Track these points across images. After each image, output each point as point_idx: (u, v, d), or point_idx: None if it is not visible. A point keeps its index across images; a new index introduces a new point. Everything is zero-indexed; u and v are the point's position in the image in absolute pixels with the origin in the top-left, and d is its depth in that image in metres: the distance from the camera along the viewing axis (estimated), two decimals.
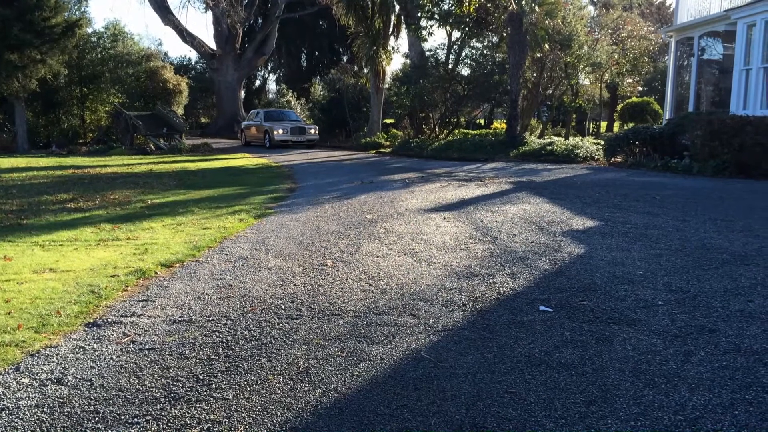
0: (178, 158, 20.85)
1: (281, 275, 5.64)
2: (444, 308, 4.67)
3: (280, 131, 26.40)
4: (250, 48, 38.55)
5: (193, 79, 37.16)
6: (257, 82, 52.37)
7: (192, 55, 52.53)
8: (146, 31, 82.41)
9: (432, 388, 3.36)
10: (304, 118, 31.30)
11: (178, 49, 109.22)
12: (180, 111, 30.33)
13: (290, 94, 37.49)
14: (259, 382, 3.45)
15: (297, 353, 3.84)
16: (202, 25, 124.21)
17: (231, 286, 5.32)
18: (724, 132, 13.81)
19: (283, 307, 4.73)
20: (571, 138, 24.21)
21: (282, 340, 4.06)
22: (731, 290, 5.04)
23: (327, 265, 6.01)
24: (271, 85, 54.57)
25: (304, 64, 49.97)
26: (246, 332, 4.20)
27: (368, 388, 3.36)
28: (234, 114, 38.36)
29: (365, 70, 29.59)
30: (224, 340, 4.05)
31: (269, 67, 51.55)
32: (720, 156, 13.90)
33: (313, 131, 27.38)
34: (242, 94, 42.02)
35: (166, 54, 46.93)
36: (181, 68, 39.95)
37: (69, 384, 3.44)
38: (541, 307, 4.66)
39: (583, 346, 3.90)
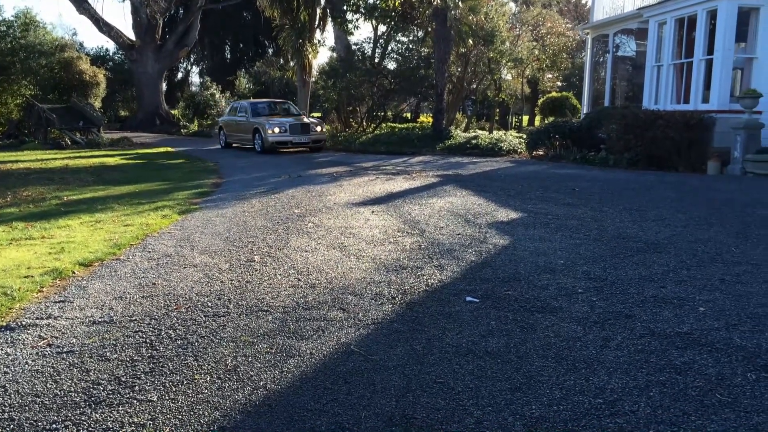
0: (97, 153, 20.04)
1: (207, 272, 5.53)
2: (373, 301, 4.69)
3: (276, 129, 19.55)
4: (172, 39, 37.38)
5: (111, 71, 35.71)
6: (179, 75, 51.00)
7: (110, 45, 50.72)
8: (60, 20, 78.25)
9: (362, 381, 3.37)
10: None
11: (95, 40, 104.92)
12: (97, 104, 29.14)
13: (214, 86, 36.62)
14: (185, 382, 3.37)
15: (224, 351, 3.77)
16: (120, 15, 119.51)
17: (154, 284, 5.16)
18: (637, 126, 14.45)
19: (209, 304, 4.64)
20: (495, 132, 24.78)
21: (209, 338, 3.98)
22: (645, 277, 5.29)
23: (255, 260, 5.93)
24: (195, 78, 53.28)
25: (229, 56, 48.97)
26: (171, 331, 4.09)
27: (298, 384, 3.35)
28: (155, 107, 37.21)
29: (291, 63, 29.28)
30: (148, 341, 3.94)
31: (192, 59, 50.27)
32: (634, 149, 14.55)
33: (319, 129, 20.80)
34: (164, 86, 40.75)
35: (81, 44, 44.87)
36: (98, 59, 38.33)
37: None
38: (468, 298, 4.75)
39: (508, 335, 4.01)
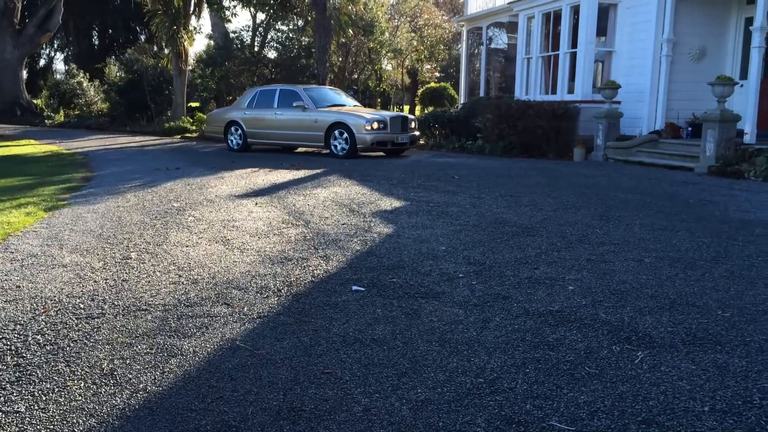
0: None
1: (79, 272, 5.21)
2: (258, 295, 4.62)
3: (375, 125, 14.57)
4: (32, 23, 34.64)
5: None
6: (42, 62, 47.42)
7: None
8: None
9: (248, 377, 3.32)
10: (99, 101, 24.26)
11: None
12: None
13: (81, 74, 34.36)
14: (56, 389, 3.17)
15: (100, 354, 3.58)
16: None
17: (19, 287, 4.80)
18: (510, 115, 15.15)
19: (82, 306, 4.37)
20: None
21: (82, 342, 3.75)
22: (520, 260, 5.57)
23: (131, 258, 5.66)
24: (60, 65, 49.81)
25: (97, 42, 46.11)
26: (39, 337, 3.82)
27: (181, 384, 3.24)
28: (15, 96, 34.41)
29: (166, 51, 28.05)
30: (13, 348, 3.66)
31: (56, 45, 46.92)
32: (508, 137, 15.24)
33: (413, 125, 16.12)
34: (25, 74, 37.77)
35: None
36: None
37: None
38: (354, 287, 4.79)
39: (393, 322, 4.08)
